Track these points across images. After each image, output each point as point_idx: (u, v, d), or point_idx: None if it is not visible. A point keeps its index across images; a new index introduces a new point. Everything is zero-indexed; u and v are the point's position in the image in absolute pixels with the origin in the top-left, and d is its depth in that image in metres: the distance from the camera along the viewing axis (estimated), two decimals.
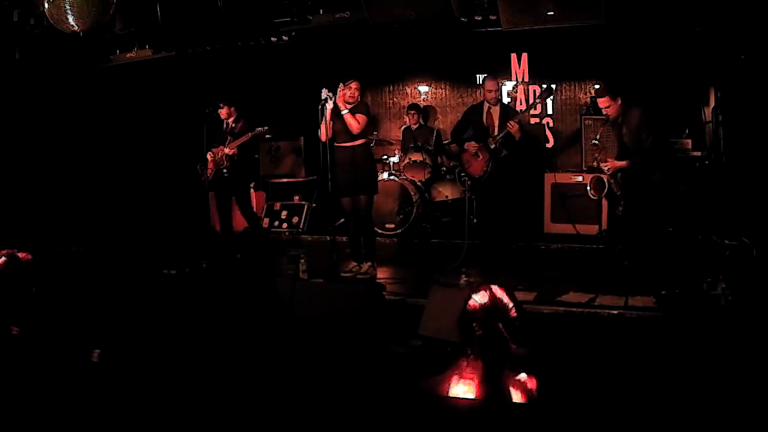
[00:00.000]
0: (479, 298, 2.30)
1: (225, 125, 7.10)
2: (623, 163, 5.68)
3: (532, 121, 8.57)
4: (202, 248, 7.18)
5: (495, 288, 2.33)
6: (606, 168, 5.78)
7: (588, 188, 6.19)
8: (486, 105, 6.75)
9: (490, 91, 6.71)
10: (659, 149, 5.63)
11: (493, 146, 6.46)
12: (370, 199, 6.35)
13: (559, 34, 7.56)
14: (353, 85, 6.11)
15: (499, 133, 6.48)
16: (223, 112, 7.04)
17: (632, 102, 5.73)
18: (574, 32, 7.46)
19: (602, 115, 6.34)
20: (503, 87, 8.54)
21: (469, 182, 7.91)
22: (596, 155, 5.94)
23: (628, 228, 5.89)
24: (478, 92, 8.96)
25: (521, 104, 8.59)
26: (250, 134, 6.89)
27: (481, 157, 6.55)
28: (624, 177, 5.77)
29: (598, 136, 5.92)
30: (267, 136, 9.01)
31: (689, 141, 7.15)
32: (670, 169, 5.85)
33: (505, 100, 8.39)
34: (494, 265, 6.47)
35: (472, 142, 6.64)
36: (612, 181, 5.88)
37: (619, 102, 5.67)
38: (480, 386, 2.21)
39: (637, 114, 5.63)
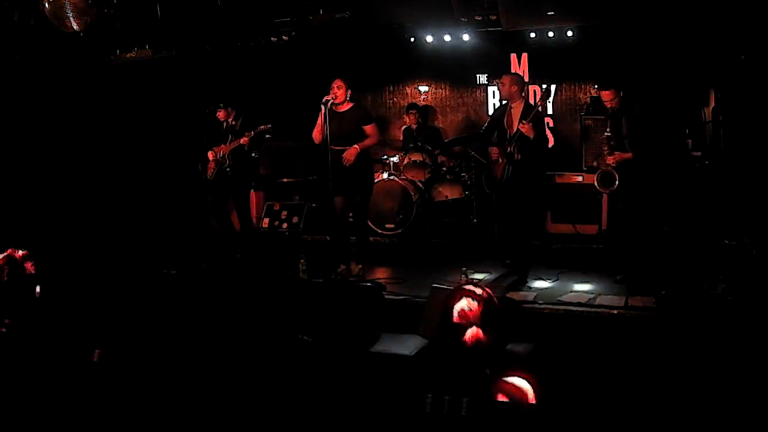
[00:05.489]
0: (453, 308, 2.36)
1: (225, 124, 7.12)
2: (629, 154, 5.67)
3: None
4: (202, 248, 7.18)
5: (460, 298, 2.38)
6: (614, 161, 5.74)
7: (596, 183, 5.97)
8: (509, 106, 6.38)
9: (504, 84, 6.31)
10: (660, 143, 5.63)
11: (509, 150, 6.17)
12: (366, 198, 6.34)
13: (559, 34, 7.59)
14: (334, 85, 6.04)
15: (514, 135, 6.17)
16: (221, 114, 7.06)
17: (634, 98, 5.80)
18: (574, 32, 7.50)
19: (602, 114, 6.34)
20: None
21: (469, 182, 7.98)
22: (604, 148, 5.87)
23: (627, 223, 5.86)
24: (478, 92, 8.95)
25: None
26: (240, 141, 6.88)
27: (501, 160, 6.28)
28: (626, 170, 5.72)
29: (608, 130, 5.85)
30: (267, 136, 9.02)
31: (689, 141, 7.15)
32: (672, 164, 5.83)
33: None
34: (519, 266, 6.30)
35: (494, 148, 6.34)
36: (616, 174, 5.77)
37: (621, 95, 5.72)
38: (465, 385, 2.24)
39: (639, 107, 5.70)
